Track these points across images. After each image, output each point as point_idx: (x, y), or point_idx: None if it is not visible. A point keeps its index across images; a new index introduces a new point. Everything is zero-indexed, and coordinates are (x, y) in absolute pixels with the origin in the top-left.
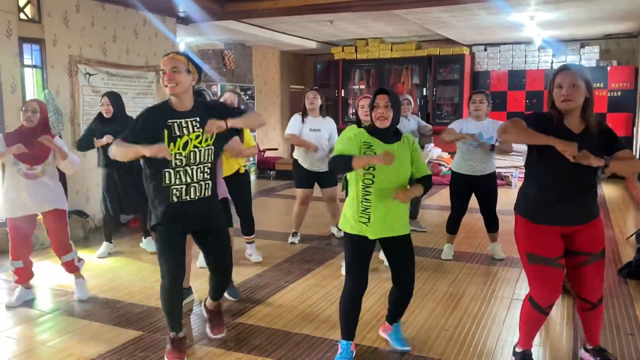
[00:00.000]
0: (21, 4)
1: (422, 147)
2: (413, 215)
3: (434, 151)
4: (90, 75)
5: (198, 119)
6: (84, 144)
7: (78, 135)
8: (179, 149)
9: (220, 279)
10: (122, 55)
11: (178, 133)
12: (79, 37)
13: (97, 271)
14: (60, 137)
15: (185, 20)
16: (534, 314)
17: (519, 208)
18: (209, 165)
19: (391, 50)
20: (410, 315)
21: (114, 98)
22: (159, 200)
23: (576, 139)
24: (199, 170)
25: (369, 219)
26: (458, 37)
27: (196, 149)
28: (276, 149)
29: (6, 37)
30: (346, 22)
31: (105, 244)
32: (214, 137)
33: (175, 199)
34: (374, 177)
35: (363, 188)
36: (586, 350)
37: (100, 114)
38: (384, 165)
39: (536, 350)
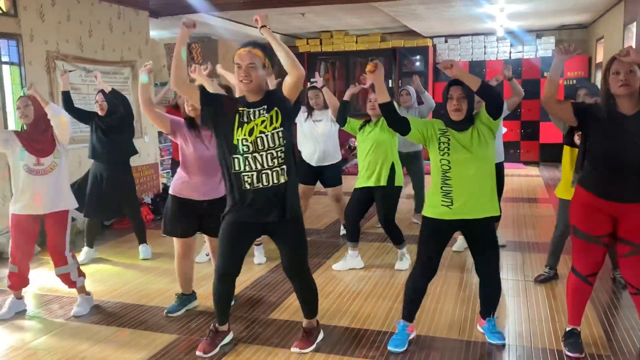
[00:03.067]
0: None
1: None
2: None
3: None
4: (68, 72)
5: (266, 106)
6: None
7: None
8: (244, 135)
9: (296, 287)
10: (99, 50)
11: (245, 120)
12: (56, 32)
13: (98, 276)
14: None
15: (156, 14)
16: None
17: None
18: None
19: (356, 42)
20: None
21: (114, 95)
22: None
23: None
24: (269, 156)
25: (451, 202)
26: (421, 29)
27: (262, 134)
28: None
29: None
30: (318, 14)
31: (85, 249)
32: (278, 119)
33: (247, 187)
34: (450, 169)
35: (442, 174)
36: None
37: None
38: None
39: None
